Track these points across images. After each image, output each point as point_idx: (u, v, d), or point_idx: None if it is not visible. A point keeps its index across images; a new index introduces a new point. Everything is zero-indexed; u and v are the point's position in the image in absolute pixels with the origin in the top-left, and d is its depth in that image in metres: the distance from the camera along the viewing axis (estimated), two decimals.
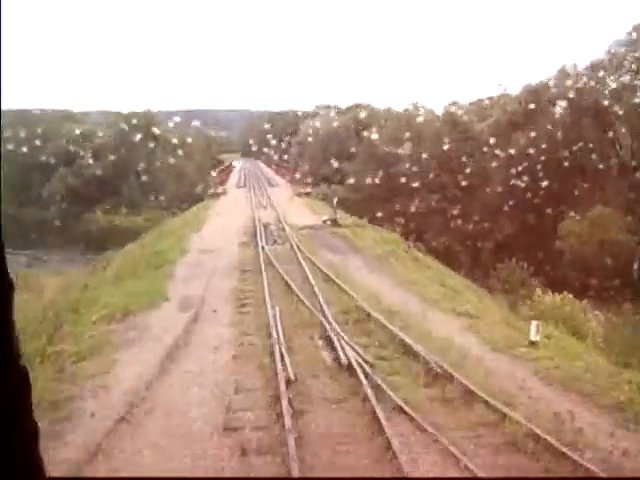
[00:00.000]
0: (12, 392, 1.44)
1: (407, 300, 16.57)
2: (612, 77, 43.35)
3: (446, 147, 45.45)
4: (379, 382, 10.75)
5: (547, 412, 9.79)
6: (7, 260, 1.47)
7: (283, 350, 12.20)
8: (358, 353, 12.11)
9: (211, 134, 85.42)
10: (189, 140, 70.58)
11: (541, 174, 41.41)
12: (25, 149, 57.92)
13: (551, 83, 43.60)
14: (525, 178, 41.82)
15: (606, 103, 42.77)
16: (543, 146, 40.80)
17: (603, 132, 42.81)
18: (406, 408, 9.76)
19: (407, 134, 46.02)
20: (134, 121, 71.04)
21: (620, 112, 42.28)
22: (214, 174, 49.59)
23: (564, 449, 8.37)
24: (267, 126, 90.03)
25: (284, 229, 27.08)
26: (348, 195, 47.97)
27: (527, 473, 8.20)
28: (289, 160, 68.68)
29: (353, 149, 55.18)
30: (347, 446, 8.80)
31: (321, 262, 20.45)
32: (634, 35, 40.63)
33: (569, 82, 42.88)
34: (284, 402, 9.99)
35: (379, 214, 43.98)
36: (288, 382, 10.89)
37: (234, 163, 77.84)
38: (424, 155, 45.72)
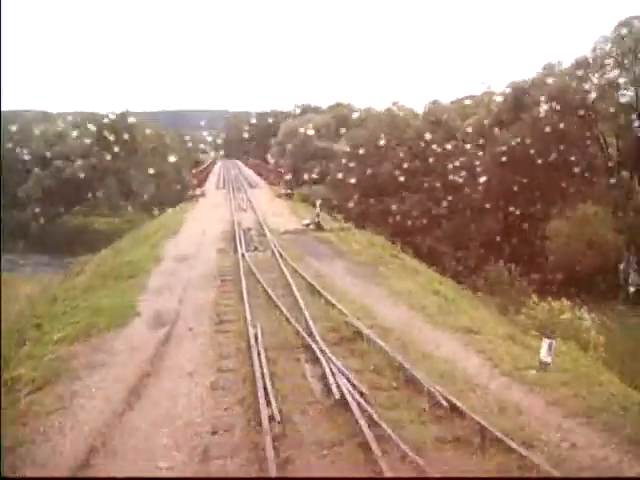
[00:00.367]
0: None
1: (401, 314, 14.99)
2: (597, 74, 42.11)
3: (429, 146, 44.14)
4: (377, 419, 9.16)
5: (579, 457, 8.27)
6: None
7: (266, 379, 10.57)
8: (351, 381, 10.52)
9: (191, 134, 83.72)
10: (168, 141, 68.97)
11: (527, 172, 40.21)
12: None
13: (535, 80, 42.24)
14: (510, 176, 40.61)
15: (590, 101, 41.59)
16: (528, 142, 39.54)
17: (588, 130, 41.57)
18: (412, 454, 8.19)
19: (388, 133, 44.58)
20: (111, 122, 69.39)
21: (604, 110, 41.17)
22: (192, 175, 47.59)
23: None
24: (247, 127, 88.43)
25: (265, 234, 25.40)
26: (330, 195, 46.53)
27: None
28: (269, 160, 67.18)
29: (334, 148, 53.80)
30: None
31: (305, 270, 18.80)
32: (621, 31, 39.38)
33: (553, 79, 41.59)
34: (268, 447, 8.40)
35: (362, 214, 42.64)
36: (272, 419, 9.29)
37: (216, 162, 76.10)
38: (405, 154, 44.37)
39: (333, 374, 10.85)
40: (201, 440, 8.97)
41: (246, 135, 79.74)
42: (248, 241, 24.10)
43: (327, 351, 11.90)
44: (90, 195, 68.30)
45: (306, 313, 14.19)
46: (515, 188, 40.52)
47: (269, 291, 16.28)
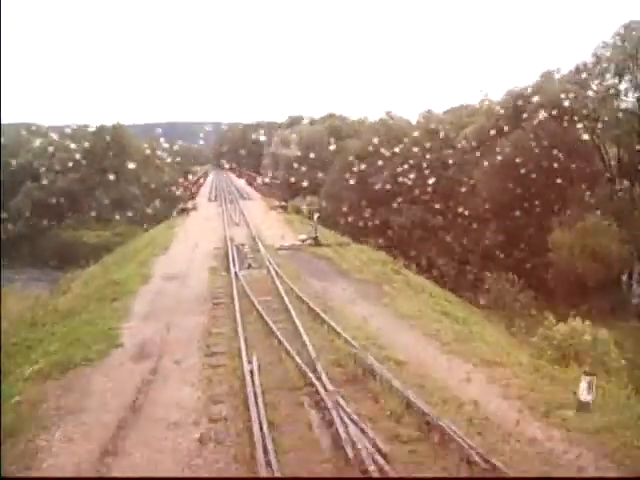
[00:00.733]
0: None
1: (414, 342, 13.22)
2: (596, 81, 40.56)
3: (426, 156, 42.53)
4: None
5: None
6: None
7: (265, 432, 8.81)
8: (366, 434, 8.76)
9: (183, 146, 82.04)
10: (159, 153, 67.33)
11: (526, 181, 38.59)
12: None
13: (535, 87, 40.65)
14: (510, 186, 38.98)
15: (591, 108, 40.04)
16: (527, 150, 37.95)
17: (590, 138, 39.96)
18: None
19: (384, 142, 42.95)
20: (102, 134, 67.93)
21: (604, 118, 39.63)
22: (184, 187, 45.70)
23: None
24: (239, 138, 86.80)
25: (259, 250, 23.60)
26: (324, 206, 44.90)
27: None
28: (261, 171, 65.57)
29: (328, 159, 52.21)
30: None
31: (304, 291, 17.02)
32: (621, 36, 37.88)
33: (553, 87, 40.05)
34: None
35: (358, 226, 40.99)
36: None
37: (208, 174, 74.42)
38: (401, 164, 42.73)
39: (344, 423, 9.11)
40: None
41: (239, 146, 78.02)
42: (242, 258, 22.29)
43: (334, 393, 10.14)
44: (81, 208, 66.79)
45: (308, 343, 12.43)
46: (515, 198, 38.86)
47: (265, 316, 14.50)
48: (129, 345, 13.53)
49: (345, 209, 42.75)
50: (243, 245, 24.73)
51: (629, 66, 39.25)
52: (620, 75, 39.59)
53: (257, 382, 10.72)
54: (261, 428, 8.96)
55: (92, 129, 70.06)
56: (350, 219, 41.32)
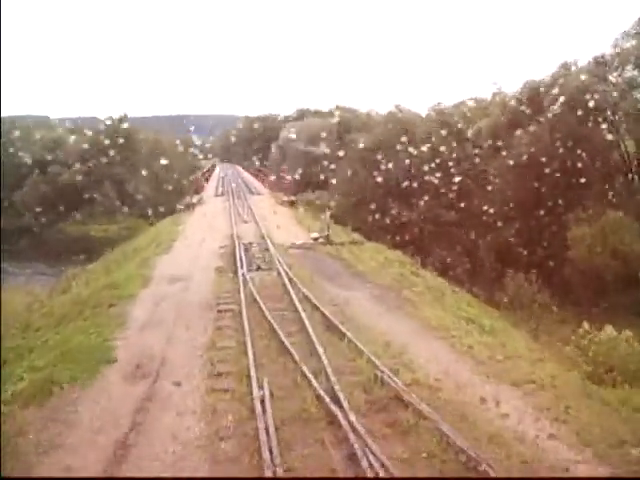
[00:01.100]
0: None
1: (446, 362, 11.49)
2: (615, 73, 38.60)
3: (439, 149, 40.68)
4: None
5: None
6: None
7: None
8: None
9: (190, 139, 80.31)
10: (165, 145, 65.78)
11: (544, 176, 36.73)
12: None
13: (552, 80, 38.70)
14: (526, 181, 37.12)
15: (610, 102, 38.10)
16: (545, 145, 36.08)
17: (609, 132, 38.06)
18: None
19: (399, 136, 41.14)
20: (109, 127, 66.44)
21: (624, 111, 37.74)
22: (190, 182, 43.83)
23: None
24: (246, 131, 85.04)
25: (268, 249, 21.90)
26: (334, 201, 43.18)
27: None
28: (270, 164, 63.89)
29: (337, 152, 50.42)
30: None
31: (319, 297, 15.33)
32: None
33: (571, 79, 38.09)
34: None
35: (369, 222, 39.27)
36: None
37: (215, 167, 72.71)
38: (413, 157, 40.90)
39: (372, 466, 7.49)
40: None
41: (246, 139, 76.36)
42: (250, 258, 20.60)
43: (360, 428, 8.49)
44: (87, 201, 65.36)
45: (326, 363, 10.74)
46: (532, 193, 37.00)
47: (277, 328, 12.81)
48: (124, 361, 11.90)
49: (356, 204, 40.99)
50: (251, 244, 23.03)
51: None
52: None
53: (269, 412, 9.06)
54: (274, 475, 7.36)
55: (100, 121, 68.63)
56: (361, 214, 39.62)
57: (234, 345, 12.24)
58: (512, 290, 32.34)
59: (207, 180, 53.72)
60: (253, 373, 10.49)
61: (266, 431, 8.51)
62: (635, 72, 38.30)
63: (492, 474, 7.32)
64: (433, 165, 40.93)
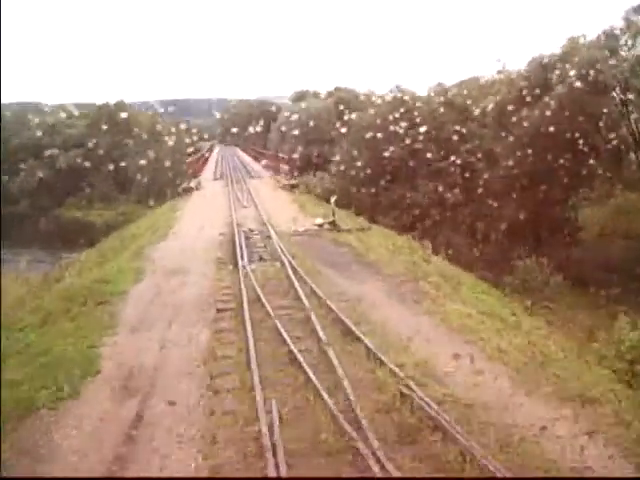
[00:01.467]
0: None
1: (480, 372, 9.84)
2: (626, 47, 36.68)
3: (443, 128, 38.95)
4: None
5: None
6: None
7: None
8: None
9: (188, 122, 78.37)
10: (160, 128, 63.96)
11: (553, 155, 34.97)
12: None
13: (560, 56, 36.74)
14: (534, 159, 35.32)
15: (619, 77, 36.21)
16: (554, 122, 34.26)
17: (618, 111, 36.28)
18: None
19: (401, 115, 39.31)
20: (106, 111, 64.77)
21: (633, 87, 35.88)
22: (187, 164, 41.82)
23: None
24: (245, 113, 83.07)
25: (270, 237, 20.19)
26: (335, 183, 41.48)
27: None
28: (269, 146, 62.13)
29: (339, 132, 48.55)
30: None
31: (328, 292, 13.67)
32: None
33: (579, 54, 36.15)
34: None
35: (372, 204, 37.65)
36: None
37: (213, 149, 70.77)
38: (417, 137, 39.11)
39: None
40: None
41: (245, 121, 74.33)
42: (251, 247, 18.93)
43: (386, 461, 6.89)
44: (85, 186, 63.77)
45: (343, 377, 9.12)
46: (540, 172, 35.22)
47: (283, 332, 11.15)
48: (111, 373, 10.27)
49: (357, 186, 39.21)
50: (252, 231, 21.34)
51: None
52: None
53: (279, 442, 7.44)
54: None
55: (96, 106, 67.05)
56: (363, 196, 37.92)
57: (235, 354, 10.58)
58: (522, 273, 30.81)
59: (205, 163, 51.78)
60: (258, 391, 8.85)
61: (276, 467, 6.92)
62: None
63: None
64: (436, 145, 39.32)
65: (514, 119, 35.87)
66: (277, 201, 28.79)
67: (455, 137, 39.33)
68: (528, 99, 35.87)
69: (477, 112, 39.78)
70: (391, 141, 39.29)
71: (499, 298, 19.52)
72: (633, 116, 37.69)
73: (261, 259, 17.57)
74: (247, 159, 61.62)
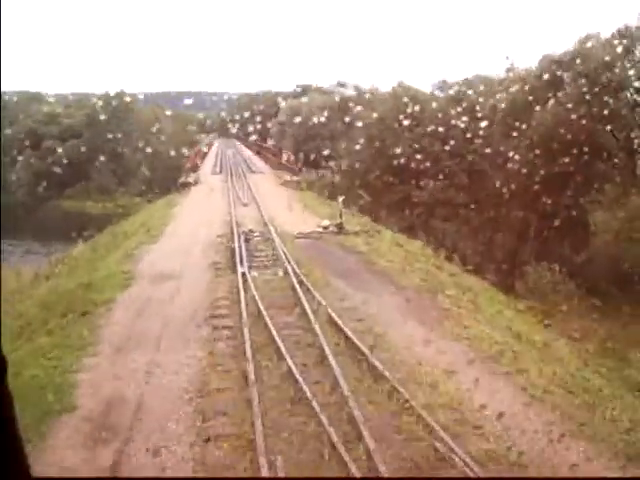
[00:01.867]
0: None
1: (522, 417, 8.10)
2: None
3: (451, 126, 37.13)
4: None
5: None
6: None
7: None
8: None
9: (188, 114, 76.51)
10: (162, 119, 62.25)
11: (565, 157, 33.22)
12: None
13: (573, 54, 34.94)
14: (546, 161, 33.58)
15: (634, 76, 34.48)
16: (567, 124, 32.54)
17: (632, 112, 34.55)
18: None
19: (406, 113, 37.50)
20: (105, 102, 63.01)
21: None
22: (186, 158, 39.81)
23: None
24: (247, 107, 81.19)
25: (272, 239, 18.41)
26: (338, 181, 39.82)
27: None
28: (269, 141, 60.33)
29: (342, 127, 46.83)
30: None
31: (338, 309, 11.92)
32: None
33: (593, 53, 34.39)
34: None
35: (376, 203, 35.92)
36: None
37: (213, 142, 68.95)
38: (423, 135, 37.40)
39: None
40: None
41: (245, 115, 72.54)
42: (251, 251, 17.14)
43: None
44: (82, 178, 62.05)
45: (362, 426, 7.37)
46: (551, 173, 33.46)
47: (289, 360, 9.41)
48: (85, 409, 8.51)
49: (361, 184, 37.45)
50: (252, 232, 19.53)
51: None
52: None
53: None
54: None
55: (95, 96, 65.31)
56: (368, 196, 36.16)
57: (233, 386, 8.85)
58: (533, 279, 29.16)
59: (204, 157, 49.89)
60: (260, 441, 7.12)
61: None
62: None
63: None
64: (443, 145, 37.62)
65: (524, 118, 34.19)
66: (279, 199, 26.95)
67: (462, 135, 37.61)
68: (540, 98, 34.18)
69: (485, 110, 38.06)
70: (397, 138, 37.56)
71: (521, 315, 17.75)
72: None
73: (262, 265, 15.80)
74: (248, 153, 59.71)
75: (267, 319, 11.23)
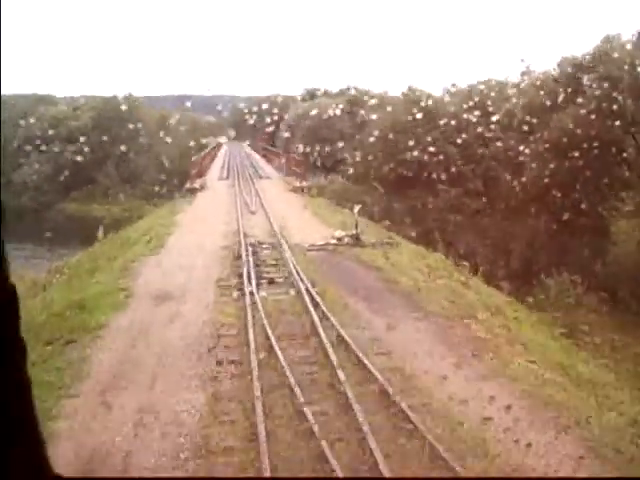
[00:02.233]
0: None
1: None
2: None
3: (465, 131, 35.54)
4: None
5: None
6: None
7: None
8: None
9: (197, 117, 75.05)
10: (172, 122, 60.74)
11: (584, 162, 31.54)
12: None
13: (594, 56, 33.26)
14: (564, 167, 31.90)
15: None
16: (586, 127, 30.88)
17: None
18: None
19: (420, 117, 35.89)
20: (113, 104, 61.74)
21: None
22: (192, 163, 38.05)
23: None
24: (255, 109, 79.67)
25: (282, 251, 16.75)
26: (349, 187, 38.19)
27: None
28: (277, 145, 58.79)
29: (351, 132, 45.28)
30: None
31: (361, 341, 10.23)
32: None
33: (615, 55, 32.70)
34: None
35: (390, 208, 34.29)
36: None
37: (221, 146, 67.36)
38: (437, 140, 35.76)
39: None
40: None
41: (254, 118, 71.04)
42: (260, 266, 15.49)
43: None
44: (90, 181, 60.78)
45: None
46: (569, 180, 31.75)
47: (307, 412, 7.75)
48: (62, 470, 6.83)
49: (374, 190, 35.80)
50: (261, 243, 17.89)
51: None
52: None
53: None
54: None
55: (103, 98, 64.06)
56: (379, 201, 34.50)
57: (239, 445, 7.20)
58: (554, 291, 27.37)
59: (211, 161, 48.29)
60: None
61: None
62: None
63: None
64: (457, 149, 36.04)
65: (542, 122, 32.57)
66: (288, 206, 25.27)
67: (476, 141, 36.01)
68: (560, 101, 32.54)
69: (500, 114, 36.43)
70: (409, 142, 35.94)
71: (554, 337, 16.02)
72: None
73: (272, 282, 14.16)
74: (256, 157, 58.14)
75: (279, 353, 9.59)
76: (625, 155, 31.54)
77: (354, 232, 18.56)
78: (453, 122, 36.26)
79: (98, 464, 7.04)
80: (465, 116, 36.71)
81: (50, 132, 61.61)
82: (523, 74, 39.33)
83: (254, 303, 12.29)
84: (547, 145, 32.33)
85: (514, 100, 36.45)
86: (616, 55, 32.22)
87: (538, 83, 34.61)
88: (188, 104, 70.11)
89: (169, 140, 54.69)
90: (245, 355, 9.73)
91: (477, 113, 36.40)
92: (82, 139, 58.36)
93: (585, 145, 31.36)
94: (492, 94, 39.25)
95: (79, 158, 57.46)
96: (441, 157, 35.15)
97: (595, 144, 31.30)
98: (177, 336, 10.92)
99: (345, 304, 12.41)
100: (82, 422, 8.01)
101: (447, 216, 34.33)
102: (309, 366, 9.34)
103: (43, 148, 60.33)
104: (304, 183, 32.28)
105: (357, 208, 19.86)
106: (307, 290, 12.99)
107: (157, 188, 50.13)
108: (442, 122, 36.26)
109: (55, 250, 43.64)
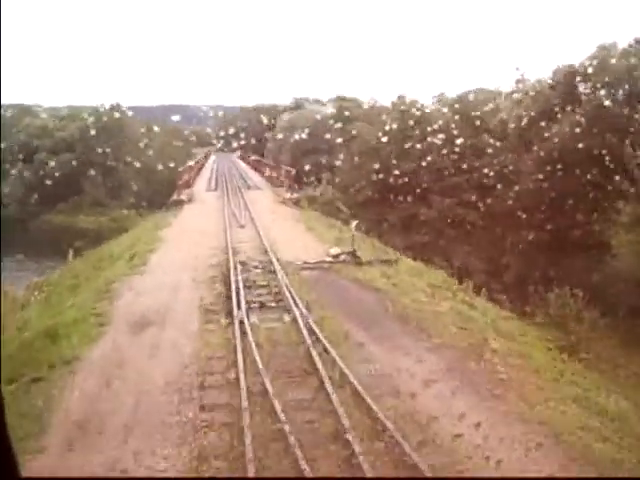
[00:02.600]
0: None
1: None
2: None
3: (459, 141, 34.34)
4: None
5: None
6: None
7: None
8: None
9: (184, 128, 73.61)
10: (156, 129, 59.46)
11: (580, 173, 30.50)
12: None
13: (594, 63, 32.16)
14: (559, 178, 30.80)
15: None
16: (583, 137, 29.83)
17: None
18: None
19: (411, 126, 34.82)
20: (100, 115, 60.39)
21: None
22: (178, 174, 36.51)
23: None
24: (244, 119, 78.42)
25: (274, 271, 15.37)
26: (339, 197, 36.88)
27: None
28: (266, 155, 57.62)
29: (341, 142, 43.97)
30: None
31: (366, 381, 8.88)
32: None
33: (611, 63, 31.68)
34: None
35: (381, 220, 33.08)
36: None
37: (209, 156, 66.11)
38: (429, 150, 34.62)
39: None
40: None
41: (242, 129, 69.81)
42: (250, 287, 14.10)
43: None
44: (76, 192, 59.35)
45: None
46: (566, 190, 30.64)
47: (306, 468, 6.40)
48: None
49: (364, 201, 34.56)
50: (251, 262, 16.48)
51: None
52: None
53: None
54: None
55: (88, 110, 62.70)
56: (370, 213, 33.24)
57: None
58: (555, 306, 26.17)
59: (199, 172, 46.87)
60: None
61: None
62: None
63: None
64: (450, 160, 34.88)
65: (537, 132, 31.54)
66: (279, 219, 23.89)
67: (469, 151, 34.88)
68: (555, 110, 31.51)
69: (494, 124, 35.38)
70: (399, 154, 34.83)
71: (574, 367, 14.72)
72: None
73: (263, 306, 12.77)
74: (245, 167, 56.80)
75: (272, 395, 8.22)
76: (615, 165, 30.49)
77: (351, 249, 17.20)
78: (441, 135, 35.12)
79: None
80: (453, 126, 35.65)
81: (36, 143, 60.66)
82: (518, 82, 38.21)
83: (244, 331, 10.91)
84: (542, 153, 31.29)
85: (507, 108, 35.46)
86: (613, 61, 31.26)
87: (533, 93, 33.49)
88: (177, 117, 68.94)
89: (150, 152, 53.52)
90: (235, 396, 8.35)
91: (469, 125, 35.46)
92: (68, 150, 57.33)
93: (582, 155, 30.37)
94: (488, 105, 38.14)
95: (65, 168, 56.27)
96: (433, 168, 34.04)
97: (593, 153, 30.35)
98: (157, 373, 9.51)
99: (345, 333, 11.04)
100: None
101: (441, 227, 33.15)
102: (308, 412, 7.96)
103: (29, 159, 59.34)
104: (294, 194, 30.94)
105: (354, 223, 18.51)
106: (302, 316, 11.63)
107: (144, 198, 48.97)
108: (430, 129, 35.19)
109: (41, 262, 42.41)
